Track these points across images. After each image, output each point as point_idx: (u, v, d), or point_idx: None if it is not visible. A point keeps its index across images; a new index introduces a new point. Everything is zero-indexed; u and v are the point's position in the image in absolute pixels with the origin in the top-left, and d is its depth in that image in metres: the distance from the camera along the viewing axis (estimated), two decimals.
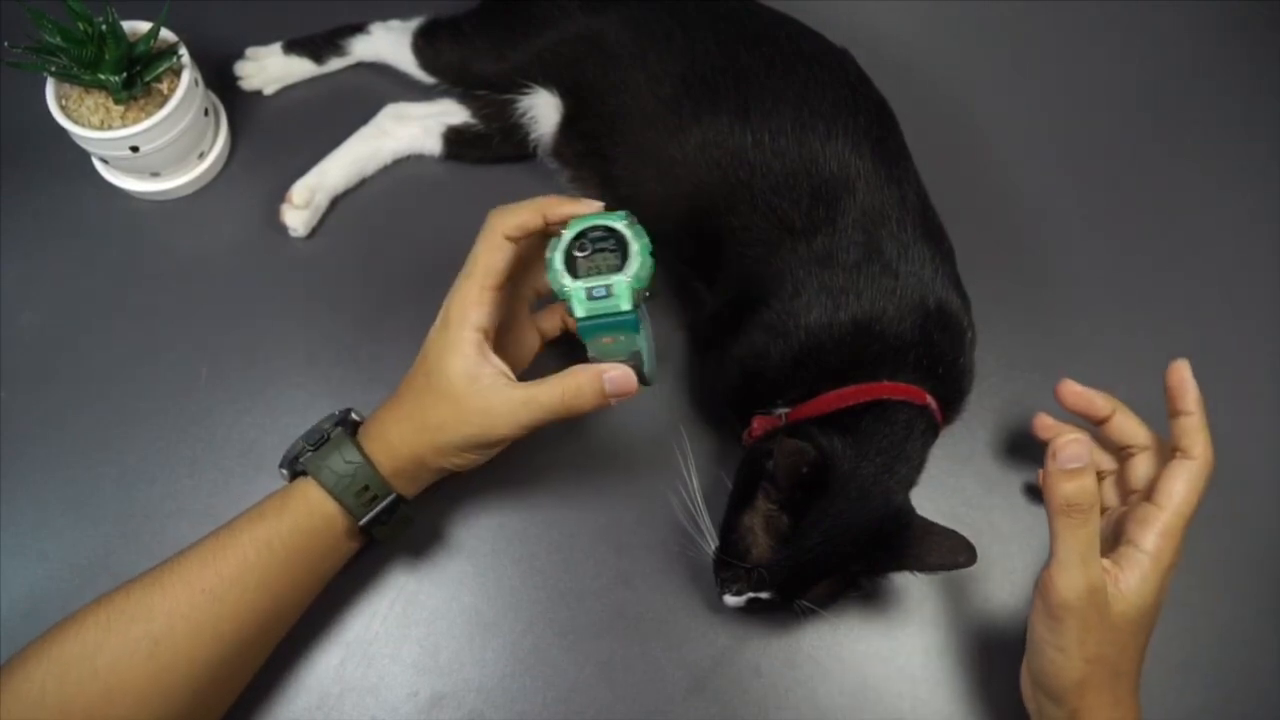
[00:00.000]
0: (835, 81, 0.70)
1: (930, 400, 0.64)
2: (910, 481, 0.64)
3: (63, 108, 0.72)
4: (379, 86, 0.83)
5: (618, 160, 0.73)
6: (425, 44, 0.80)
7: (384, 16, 0.83)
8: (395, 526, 0.60)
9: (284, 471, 0.61)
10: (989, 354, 0.71)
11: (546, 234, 0.58)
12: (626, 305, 0.55)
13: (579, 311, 0.55)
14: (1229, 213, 0.85)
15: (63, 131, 0.71)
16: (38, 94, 0.72)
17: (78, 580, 0.65)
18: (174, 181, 0.78)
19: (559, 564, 0.68)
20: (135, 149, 0.72)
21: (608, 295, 0.55)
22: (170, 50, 0.73)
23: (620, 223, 0.56)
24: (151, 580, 0.55)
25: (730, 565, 0.62)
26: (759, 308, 0.65)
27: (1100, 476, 0.66)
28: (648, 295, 0.57)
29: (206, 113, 0.77)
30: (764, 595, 0.61)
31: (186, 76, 0.72)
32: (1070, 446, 0.53)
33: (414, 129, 0.80)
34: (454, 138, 0.81)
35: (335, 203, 0.79)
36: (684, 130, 0.69)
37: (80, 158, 0.77)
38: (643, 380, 0.58)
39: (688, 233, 0.70)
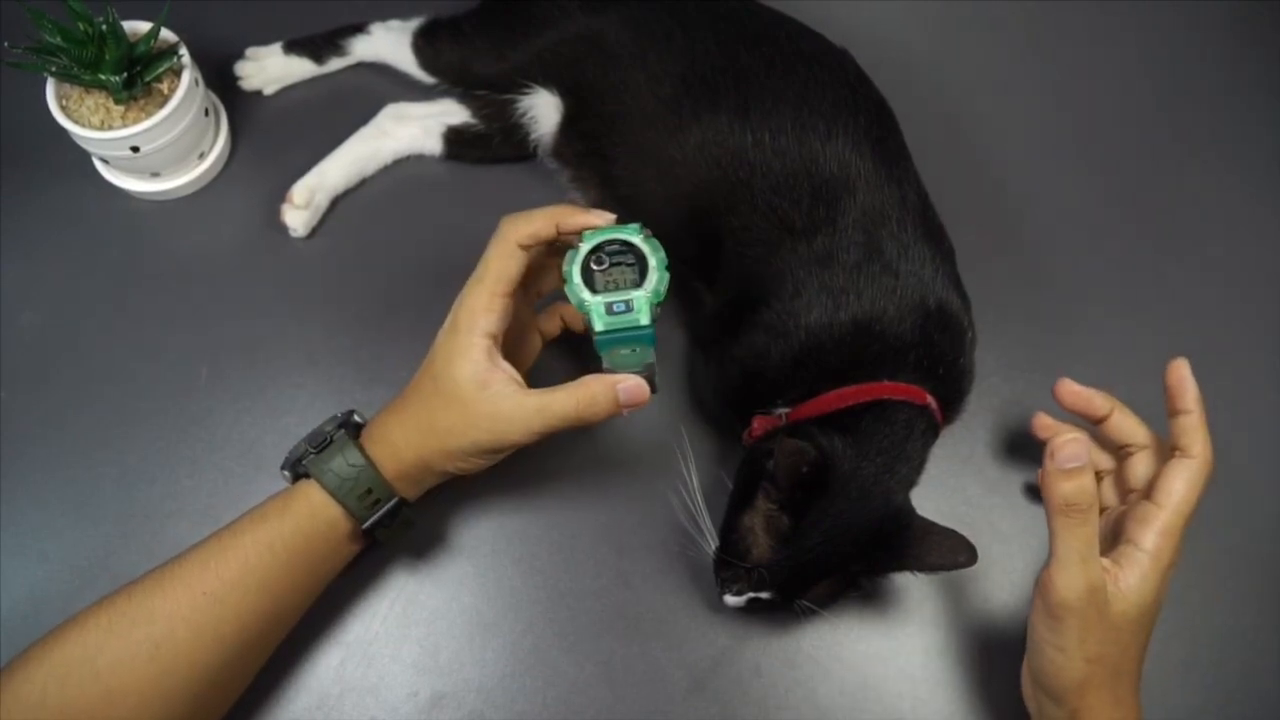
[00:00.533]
0: (835, 81, 0.70)
1: (930, 400, 0.64)
2: (910, 481, 0.64)
3: (63, 108, 0.72)
4: (379, 86, 0.83)
5: (618, 160, 0.73)
6: (425, 44, 0.80)
7: (384, 16, 0.83)
8: (397, 529, 0.60)
9: (286, 473, 0.60)
10: (989, 354, 0.71)
11: (557, 243, 0.59)
12: (645, 320, 0.56)
13: (598, 326, 0.56)
14: (1229, 213, 0.85)
15: (63, 131, 0.71)
16: (38, 94, 0.72)
17: (78, 581, 0.65)
18: (174, 181, 0.78)
19: (559, 564, 0.68)
20: (136, 149, 0.72)
21: (627, 310, 0.56)
22: (170, 50, 0.73)
23: (636, 237, 0.57)
24: (153, 583, 0.55)
25: (730, 565, 0.62)
26: (759, 308, 0.66)
27: (1099, 476, 0.66)
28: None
29: (207, 113, 0.77)
30: (764, 595, 0.61)
31: (187, 76, 0.72)
32: (1068, 446, 0.53)
33: (414, 129, 0.80)
34: (454, 138, 0.81)
35: (335, 203, 0.79)
36: (684, 130, 0.69)
37: (80, 158, 0.77)
38: (653, 389, 0.58)
39: (688, 232, 0.70)
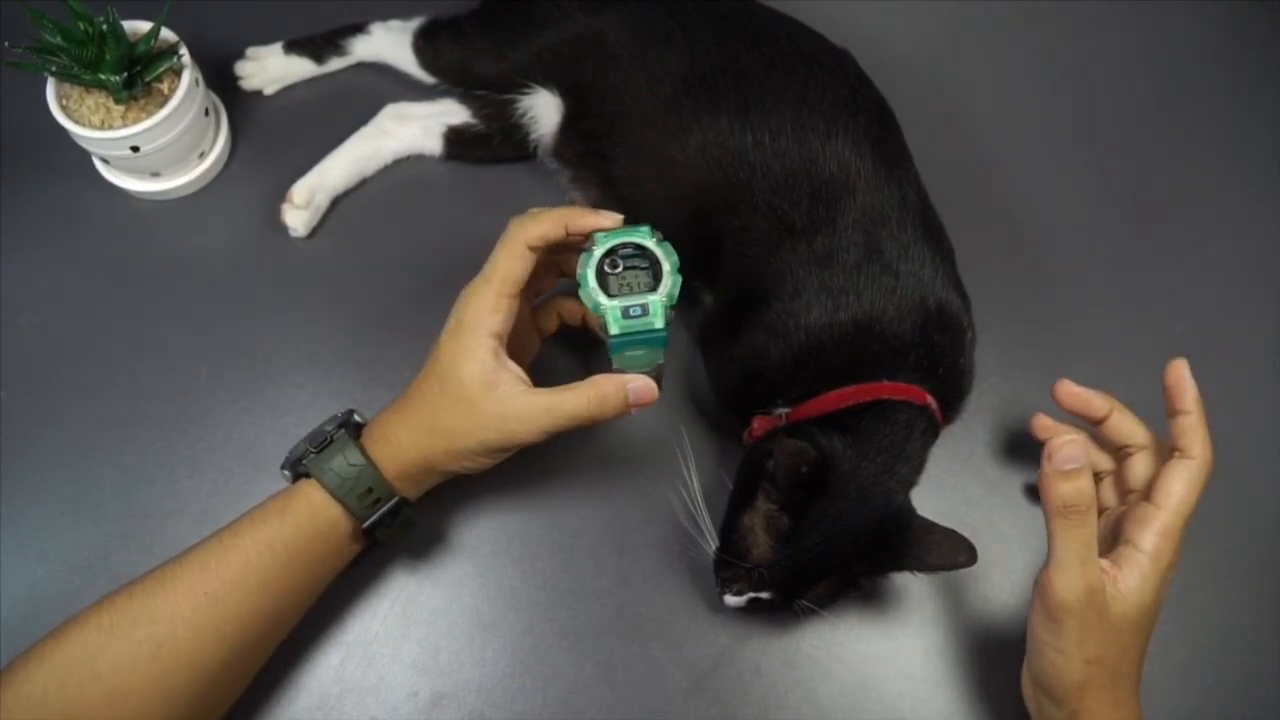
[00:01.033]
0: (835, 81, 0.70)
1: (930, 400, 0.64)
2: (910, 481, 0.64)
3: (63, 108, 0.72)
4: (379, 86, 0.83)
5: (618, 160, 0.73)
6: (425, 44, 0.80)
7: (384, 16, 0.83)
8: (398, 529, 0.60)
9: (286, 473, 0.60)
10: (989, 354, 0.71)
11: (566, 244, 0.58)
12: (660, 324, 0.56)
13: (614, 329, 0.56)
14: (1229, 212, 0.85)
15: (63, 131, 0.71)
16: (38, 94, 0.72)
17: (78, 581, 0.65)
18: (174, 181, 0.78)
19: (559, 564, 0.68)
20: (136, 149, 0.72)
21: (643, 314, 0.56)
22: (171, 50, 0.73)
23: (649, 240, 0.56)
24: (153, 583, 0.55)
25: (730, 565, 0.62)
26: (759, 308, 0.66)
27: (1099, 477, 0.66)
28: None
29: (207, 113, 0.77)
30: (764, 595, 0.61)
31: (187, 76, 0.72)
32: (1066, 448, 0.53)
33: (414, 129, 0.80)
34: (454, 138, 0.81)
35: (336, 203, 0.79)
36: (684, 130, 0.69)
37: (80, 158, 0.77)
38: (659, 388, 0.58)
39: (688, 233, 0.70)
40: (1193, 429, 0.58)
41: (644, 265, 0.56)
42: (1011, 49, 0.93)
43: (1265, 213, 0.85)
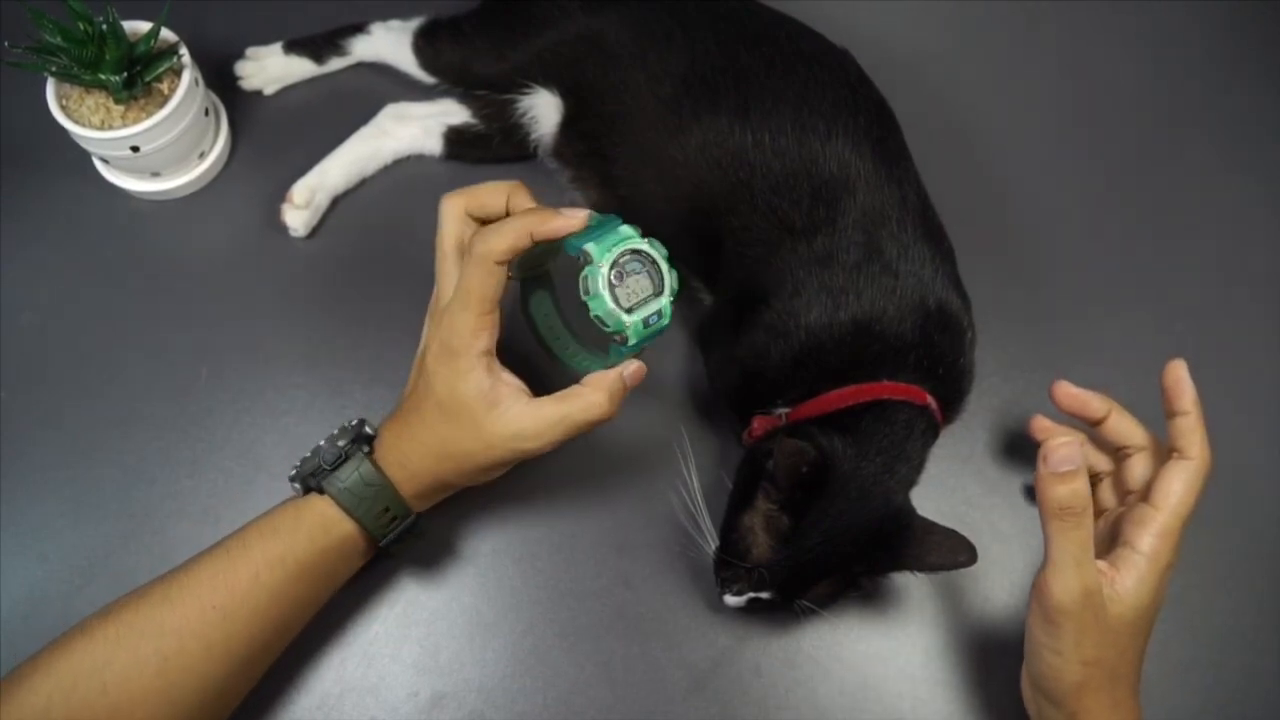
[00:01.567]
0: (835, 81, 0.70)
1: (930, 400, 0.64)
2: (910, 481, 0.64)
3: (63, 108, 0.72)
4: (379, 86, 0.83)
5: (618, 160, 0.73)
6: (425, 44, 0.80)
7: (384, 16, 0.83)
8: (408, 541, 0.60)
9: (296, 486, 0.59)
10: (989, 354, 0.71)
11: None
12: (668, 320, 0.56)
13: (633, 339, 0.55)
14: (1229, 212, 0.85)
15: (63, 131, 0.71)
16: (38, 94, 0.71)
17: (78, 581, 0.65)
18: (174, 181, 0.78)
19: (559, 564, 0.68)
20: (136, 149, 0.72)
21: (659, 319, 0.56)
22: (170, 50, 0.73)
23: (643, 244, 0.55)
24: (160, 595, 0.55)
25: (730, 565, 0.62)
26: (759, 308, 0.66)
27: (1098, 478, 0.66)
28: None
29: (207, 113, 0.77)
30: (764, 595, 0.61)
31: (187, 76, 0.72)
32: (1061, 450, 0.53)
33: (414, 129, 0.80)
34: (454, 138, 0.81)
35: (336, 203, 0.79)
36: (684, 130, 0.69)
37: (80, 158, 0.77)
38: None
39: (688, 233, 0.70)
40: (1191, 430, 0.58)
41: (641, 268, 0.56)
42: (1012, 49, 0.93)
43: (1265, 213, 0.85)
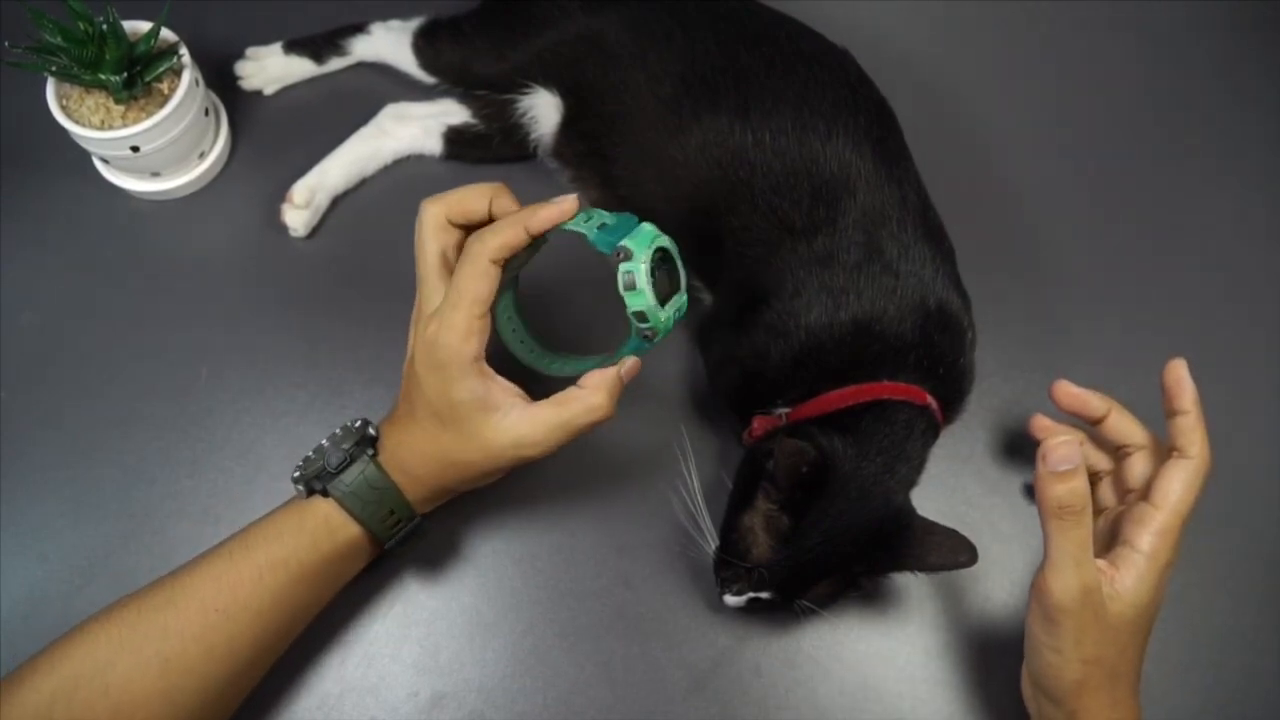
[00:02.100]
0: (835, 81, 0.70)
1: (930, 400, 0.64)
2: (910, 481, 0.64)
3: (63, 108, 0.72)
4: (379, 86, 0.83)
5: (618, 160, 0.73)
6: (425, 44, 0.80)
7: (384, 16, 0.83)
8: (411, 542, 0.60)
9: (300, 488, 0.59)
10: (989, 354, 0.71)
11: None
12: (684, 314, 0.57)
13: (661, 334, 0.55)
14: (1229, 212, 0.85)
15: (63, 131, 0.71)
16: (38, 94, 0.72)
17: (78, 581, 0.65)
18: (174, 181, 0.78)
19: (559, 564, 0.68)
20: (136, 149, 0.72)
21: (679, 314, 0.56)
22: (171, 50, 0.73)
23: (663, 240, 0.55)
24: (163, 598, 0.55)
25: (730, 565, 0.62)
26: (759, 308, 0.66)
27: (1098, 477, 0.66)
28: None
29: (207, 113, 0.77)
30: (764, 595, 0.61)
31: (187, 76, 0.72)
32: (1060, 449, 0.53)
33: (414, 129, 0.80)
34: (454, 138, 0.81)
35: (335, 203, 0.79)
36: (684, 130, 0.69)
37: (80, 158, 0.77)
38: None
39: (688, 232, 0.70)
40: (1191, 429, 0.58)
41: (663, 264, 0.55)
42: (1012, 49, 0.93)
43: (1265, 213, 0.85)
